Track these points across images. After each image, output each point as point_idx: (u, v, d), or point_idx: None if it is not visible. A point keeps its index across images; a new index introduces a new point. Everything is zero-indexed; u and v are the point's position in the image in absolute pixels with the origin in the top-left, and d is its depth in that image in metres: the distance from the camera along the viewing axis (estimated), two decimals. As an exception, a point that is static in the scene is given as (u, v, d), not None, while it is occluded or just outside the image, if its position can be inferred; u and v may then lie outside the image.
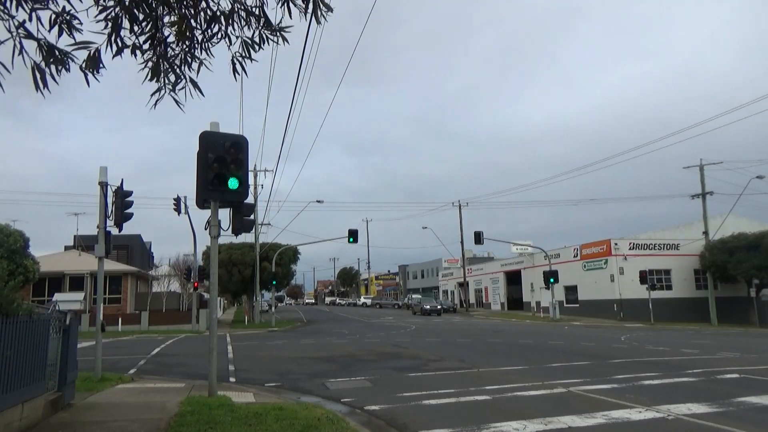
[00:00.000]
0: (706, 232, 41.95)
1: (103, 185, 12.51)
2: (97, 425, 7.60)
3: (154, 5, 4.25)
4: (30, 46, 3.90)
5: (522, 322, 41.07)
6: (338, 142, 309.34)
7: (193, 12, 4.37)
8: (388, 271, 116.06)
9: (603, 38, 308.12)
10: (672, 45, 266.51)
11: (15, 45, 3.79)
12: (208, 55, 4.62)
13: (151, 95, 4.57)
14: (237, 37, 4.52)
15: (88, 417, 8.13)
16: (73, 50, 4.05)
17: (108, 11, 4.10)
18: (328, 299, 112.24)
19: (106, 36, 4.18)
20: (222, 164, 9.73)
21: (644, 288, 39.19)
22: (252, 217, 11.80)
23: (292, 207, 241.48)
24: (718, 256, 40.63)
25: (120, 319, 33.71)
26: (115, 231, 12.99)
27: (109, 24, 4.11)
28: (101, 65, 4.21)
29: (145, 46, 4.42)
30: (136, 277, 43.54)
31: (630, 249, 44.97)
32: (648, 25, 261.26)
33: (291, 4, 4.42)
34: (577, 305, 47.90)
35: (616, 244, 44.86)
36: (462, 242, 62.85)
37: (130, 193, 12.97)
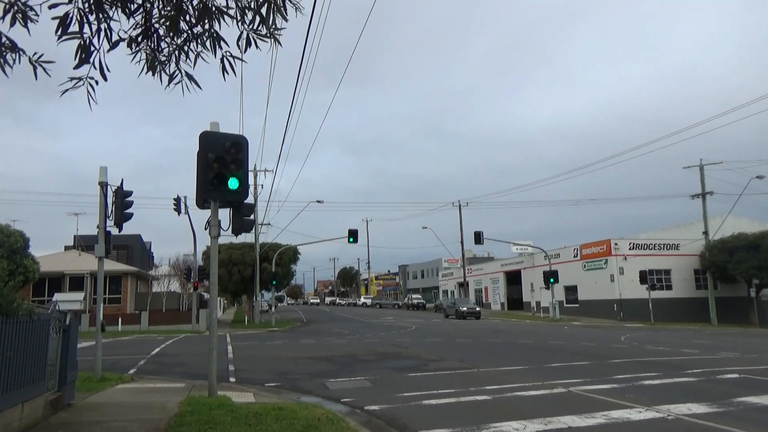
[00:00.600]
0: (706, 232, 41.96)
1: (103, 185, 12.51)
2: (97, 425, 7.60)
3: None
4: None
5: (522, 322, 41.08)
6: (338, 142, 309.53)
7: (184, 6, 4.33)
8: (388, 271, 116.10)
9: (602, 39, 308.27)
10: (671, 45, 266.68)
11: None
12: (204, 49, 4.59)
13: (70, 79, 4.30)
14: (223, 43, 4.49)
15: (88, 417, 8.13)
16: (63, 40, 3.98)
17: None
18: (328, 299, 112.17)
19: (95, 26, 4.10)
20: (222, 164, 9.73)
21: (644, 288, 39.20)
22: (252, 217, 11.80)
23: (292, 207, 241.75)
24: (718, 256, 40.64)
25: (120, 319, 33.71)
26: (115, 231, 12.99)
27: (94, 14, 4.04)
28: (92, 56, 4.14)
29: (139, 39, 4.39)
30: (136, 277, 43.55)
31: (630, 249, 44.98)
32: (647, 26, 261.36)
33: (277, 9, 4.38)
34: (577, 305, 47.91)
35: (616, 244, 44.87)
36: (462, 242, 62.89)
37: (130, 193, 12.97)
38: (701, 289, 44.24)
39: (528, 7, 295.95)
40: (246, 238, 44.08)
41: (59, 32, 4.01)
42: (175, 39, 4.48)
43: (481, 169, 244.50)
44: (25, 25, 4.02)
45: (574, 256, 49.20)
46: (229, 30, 4.55)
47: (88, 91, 4.37)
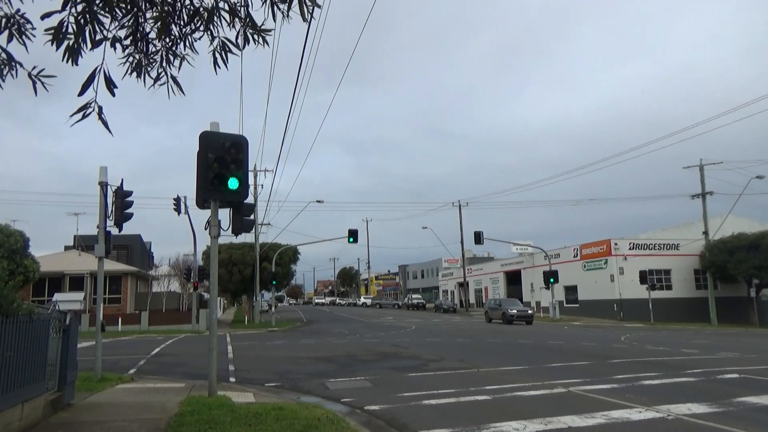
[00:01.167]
0: (706, 232, 41.97)
1: (103, 185, 12.51)
2: (97, 425, 7.60)
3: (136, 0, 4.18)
4: None
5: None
6: (337, 142, 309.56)
7: (173, 9, 4.31)
8: (388, 271, 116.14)
9: (602, 39, 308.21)
10: (671, 45, 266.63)
11: None
12: (192, 51, 4.57)
13: (77, 111, 4.05)
14: (215, 38, 4.46)
15: (88, 417, 8.13)
16: (48, 41, 3.92)
17: (67, 10, 3.93)
18: (328, 299, 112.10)
19: (58, 39, 4.00)
20: (222, 164, 9.73)
21: (644, 288, 39.21)
22: (252, 217, 11.80)
23: (292, 207, 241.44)
24: (718, 256, 40.65)
25: (120, 319, 33.70)
26: (115, 231, 12.98)
27: (88, 24, 3.98)
28: (81, 55, 4.06)
29: (126, 42, 4.34)
30: (136, 277, 43.55)
31: (630, 249, 44.99)
32: (647, 26, 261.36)
33: (275, 6, 4.37)
34: (577, 305, 47.92)
35: (616, 244, 44.88)
36: (462, 242, 62.90)
37: (130, 193, 12.97)
38: (701, 289, 44.25)
39: (528, 7, 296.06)
40: (246, 238, 44.14)
41: (54, 43, 3.92)
42: (164, 41, 4.46)
43: (481, 169, 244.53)
44: (21, 41, 3.94)
45: (574, 256, 49.21)
46: (221, 29, 4.54)
47: (101, 118, 4.07)
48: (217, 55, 4.54)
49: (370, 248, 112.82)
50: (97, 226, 12.64)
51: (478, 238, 45.54)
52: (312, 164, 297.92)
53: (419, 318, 47.84)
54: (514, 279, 60.94)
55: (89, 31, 4.02)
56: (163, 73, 4.56)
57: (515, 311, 38.14)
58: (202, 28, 4.41)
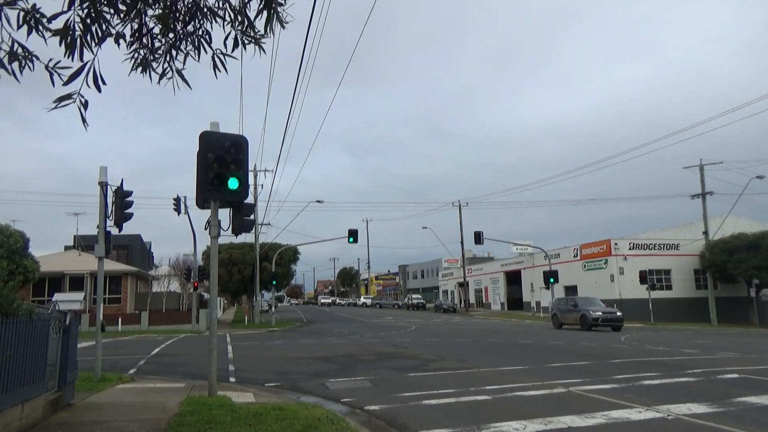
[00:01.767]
0: (706, 232, 41.96)
1: (103, 185, 12.51)
2: (97, 425, 7.60)
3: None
4: None
5: (522, 322, 41.08)
6: (337, 142, 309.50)
7: (175, 6, 4.33)
8: (388, 271, 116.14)
9: (601, 39, 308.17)
10: (671, 45, 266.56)
11: None
12: (194, 47, 4.59)
13: (57, 100, 4.01)
14: (210, 44, 4.49)
15: (88, 417, 8.13)
16: (50, 36, 3.97)
17: (72, 10, 3.96)
18: (332, 299, 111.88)
19: (66, 39, 4.04)
20: (222, 164, 9.73)
21: (644, 288, 39.20)
22: (252, 217, 11.80)
23: (292, 207, 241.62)
24: (718, 256, 40.63)
25: (120, 319, 33.70)
26: (115, 231, 12.98)
27: (94, 24, 4.01)
28: (83, 52, 4.07)
29: (130, 39, 4.38)
30: (136, 277, 43.54)
31: (630, 249, 44.98)
32: (647, 26, 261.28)
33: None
34: (577, 305, 47.91)
35: (616, 244, 44.88)
36: (462, 242, 62.88)
37: (130, 193, 12.97)
38: (701, 289, 44.23)
39: (527, 7, 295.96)
40: (246, 238, 44.16)
41: (62, 44, 3.96)
42: (168, 38, 4.48)
43: (481, 169, 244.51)
44: (41, 34, 3.98)
45: (574, 256, 49.20)
46: (219, 29, 4.56)
47: (80, 110, 4.03)
48: (217, 59, 4.56)
49: (370, 248, 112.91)
50: (97, 226, 12.64)
51: (478, 238, 45.53)
52: (312, 164, 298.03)
53: (419, 318, 47.83)
54: (514, 279, 60.93)
55: (94, 28, 4.04)
56: (169, 68, 4.59)
57: (599, 313, 29.93)
58: (198, 29, 4.43)
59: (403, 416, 8.64)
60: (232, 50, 4.53)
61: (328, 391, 11.32)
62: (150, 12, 4.36)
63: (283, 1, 4.48)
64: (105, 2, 4.02)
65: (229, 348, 21.18)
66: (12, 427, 6.65)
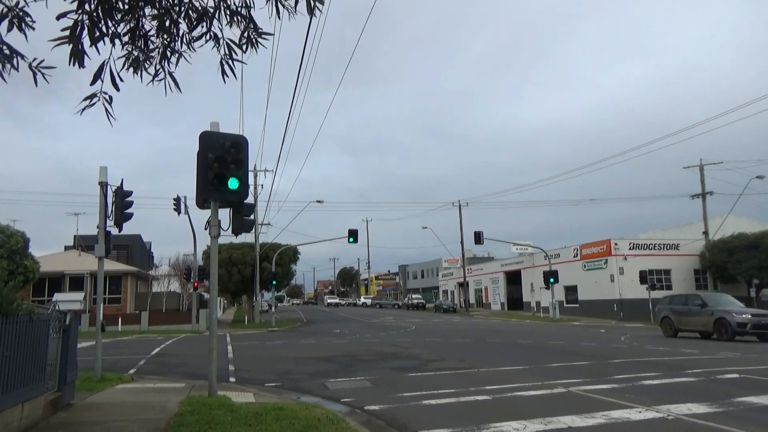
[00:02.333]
0: (706, 232, 41.96)
1: (103, 185, 12.51)
2: (97, 425, 7.60)
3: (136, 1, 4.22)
4: None
5: (522, 322, 41.08)
6: (337, 142, 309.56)
7: (175, 8, 4.33)
8: (388, 271, 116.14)
9: (601, 38, 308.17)
10: (670, 45, 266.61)
11: None
12: (189, 48, 4.58)
13: (85, 99, 4.30)
14: (220, 39, 4.47)
15: (88, 417, 8.13)
16: (56, 45, 3.99)
17: (80, 11, 4.01)
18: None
19: (74, 37, 4.08)
20: (222, 164, 9.73)
21: (644, 288, 39.20)
22: (252, 217, 11.80)
23: (291, 207, 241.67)
24: (718, 256, 40.63)
25: (120, 319, 33.72)
26: (115, 231, 12.99)
27: (82, 23, 4.03)
28: (86, 56, 4.14)
29: (125, 39, 4.38)
30: (136, 277, 43.55)
31: (630, 249, 44.98)
32: (646, 26, 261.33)
33: (280, 4, 4.38)
34: (577, 305, 47.92)
35: (616, 244, 44.87)
36: (462, 242, 62.90)
37: (130, 193, 12.97)
38: (701, 289, 44.18)
39: (526, 7, 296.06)
40: (246, 238, 44.16)
41: (70, 43, 4.01)
42: (163, 39, 4.48)
43: (481, 169, 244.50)
44: (22, 31, 4.02)
45: (574, 256, 49.21)
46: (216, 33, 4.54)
47: (105, 108, 4.32)
48: (225, 64, 4.56)
49: (370, 248, 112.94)
50: (97, 226, 12.64)
51: (478, 238, 45.55)
52: (312, 164, 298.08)
53: (419, 318, 47.83)
54: (514, 279, 60.94)
55: (89, 29, 4.06)
56: (161, 70, 4.58)
57: (747, 316, 21.87)
58: (206, 35, 4.43)
59: (403, 416, 8.64)
60: (246, 49, 4.53)
61: (328, 391, 11.32)
62: (147, 11, 4.36)
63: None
64: (101, 7, 4.03)
65: (229, 348, 21.19)
66: (12, 427, 6.65)
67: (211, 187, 9.78)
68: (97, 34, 4.12)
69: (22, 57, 4.09)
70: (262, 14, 4.52)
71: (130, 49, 4.42)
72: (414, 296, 75.96)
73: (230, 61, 4.58)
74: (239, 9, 4.41)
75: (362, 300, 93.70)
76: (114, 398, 9.84)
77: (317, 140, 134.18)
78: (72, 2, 3.99)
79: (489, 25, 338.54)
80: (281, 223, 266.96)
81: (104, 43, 4.21)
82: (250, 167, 18.18)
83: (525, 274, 57.62)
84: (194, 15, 4.35)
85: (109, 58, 4.23)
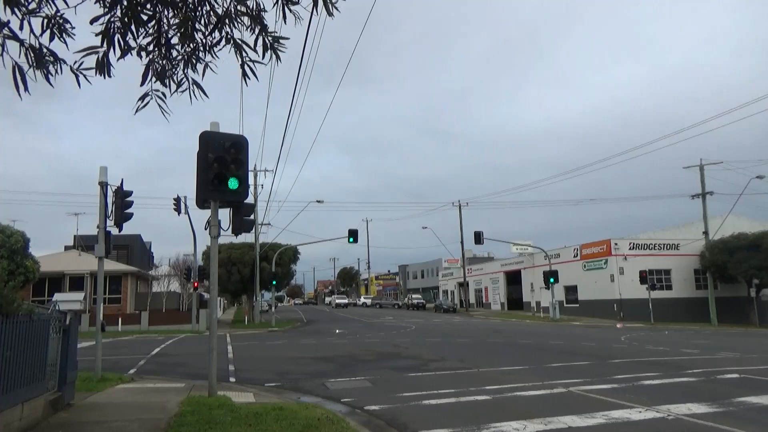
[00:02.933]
0: (706, 232, 41.95)
1: (103, 185, 12.51)
2: (97, 425, 7.61)
3: (159, 6, 4.28)
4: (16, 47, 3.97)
5: (522, 322, 41.08)
6: (336, 142, 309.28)
7: (195, 13, 4.38)
8: (388, 271, 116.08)
9: (601, 39, 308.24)
10: (670, 45, 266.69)
11: None
12: (213, 57, 4.64)
13: (138, 100, 4.60)
14: (241, 45, 4.51)
15: (88, 417, 8.13)
16: (84, 56, 4.14)
17: (112, 13, 4.14)
18: (328, 299, 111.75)
19: (108, 37, 4.21)
20: (222, 164, 9.73)
21: (644, 288, 39.20)
22: (252, 217, 11.80)
23: (291, 207, 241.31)
24: (718, 256, 40.62)
25: (120, 319, 33.71)
26: (115, 231, 12.99)
27: (114, 25, 4.16)
28: (111, 67, 4.29)
29: (149, 48, 4.45)
30: (136, 277, 43.54)
31: (630, 249, 44.96)
32: (646, 26, 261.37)
33: (288, 7, 4.40)
34: (577, 305, 47.91)
35: (616, 244, 44.86)
36: (462, 242, 62.89)
37: (130, 193, 12.97)
38: (701, 289, 44.22)
39: (526, 8, 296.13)
40: (246, 238, 44.12)
41: (103, 44, 4.17)
42: (187, 47, 4.54)
43: (480, 169, 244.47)
44: (62, 39, 4.15)
45: (574, 256, 49.20)
46: (247, 35, 4.60)
47: (159, 105, 4.60)
48: (247, 67, 4.61)
49: (370, 248, 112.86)
50: (97, 226, 12.64)
51: (478, 238, 45.53)
52: (311, 165, 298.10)
53: (419, 318, 47.83)
54: (514, 279, 60.92)
55: (117, 40, 4.18)
56: (185, 79, 4.65)
57: None
58: (224, 39, 4.48)
59: (403, 416, 8.64)
60: (263, 56, 4.62)
61: (328, 391, 11.32)
62: (169, 19, 4.41)
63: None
64: (129, 13, 4.13)
65: (229, 348, 21.19)
66: (12, 427, 6.65)
67: (211, 187, 9.78)
68: (125, 47, 4.26)
69: (65, 62, 4.24)
70: (267, 17, 4.53)
71: (154, 58, 4.51)
72: (414, 296, 75.92)
73: (251, 63, 4.62)
74: (253, 12, 4.44)
75: (362, 300, 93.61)
76: (114, 398, 9.84)
77: (317, 140, 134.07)
78: (102, 7, 4.12)
79: (488, 26, 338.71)
80: (281, 223, 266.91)
81: (131, 55, 4.38)
82: (250, 167, 18.16)
83: (525, 274, 57.61)
84: (214, 20, 4.40)
85: (152, 61, 4.47)
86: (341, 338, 25.81)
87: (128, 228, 13.85)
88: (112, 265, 38.09)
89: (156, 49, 4.46)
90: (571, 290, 49.11)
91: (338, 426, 7.47)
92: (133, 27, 4.20)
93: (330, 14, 4.47)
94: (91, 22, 4.09)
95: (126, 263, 44.91)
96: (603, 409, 8.78)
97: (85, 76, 4.28)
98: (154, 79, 4.58)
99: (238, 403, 9.07)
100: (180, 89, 4.68)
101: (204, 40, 4.52)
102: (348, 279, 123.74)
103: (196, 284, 34.05)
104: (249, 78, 4.69)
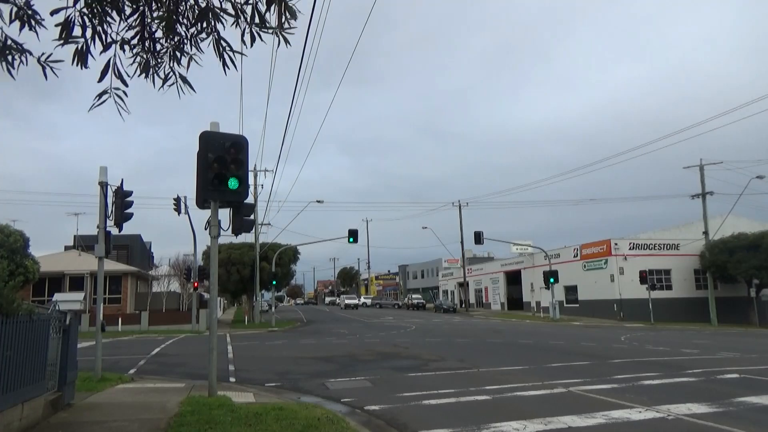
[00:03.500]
0: (706, 232, 41.95)
1: (103, 185, 12.51)
2: (97, 425, 7.61)
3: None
4: None
5: (522, 322, 41.08)
6: (336, 142, 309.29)
7: (177, 7, 4.33)
8: (388, 271, 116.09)
9: (601, 39, 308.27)
10: (670, 46, 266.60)
11: None
12: (197, 50, 4.58)
13: (96, 97, 4.38)
14: (220, 40, 4.47)
15: (88, 417, 8.13)
16: (58, 45, 4.05)
17: (94, 5, 4.06)
18: (328, 299, 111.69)
19: (91, 30, 4.14)
20: (222, 164, 9.73)
21: (644, 288, 39.19)
22: (252, 217, 11.80)
23: (291, 207, 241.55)
24: (718, 256, 40.62)
25: (120, 319, 33.70)
26: (115, 231, 12.99)
27: (95, 19, 4.08)
28: (90, 56, 4.19)
29: (134, 42, 4.40)
30: (136, 277, 43.53)
31: (630, 249, 44.97)
32: (646, 26, 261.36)
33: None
34: (577, 305, 47.91)
35: (616, 244, 44.86)
36: (462, 242, 62.87)
37: (130, 193, 12.97)
38: (701, 289, 44.22)
39: (525, 8, 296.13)
40: (246, 238, 44.12)
41: (62, 37, 4.03)
42: (171, 41, 4.48)
43: (480, 170, 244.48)
44: (33, 29, 4.08)
45: (574, 256, 49.20)
46: (229, 29, 4.55)
47: (116, 103, 4.42)
48: (226, 55, 4.53)
49: (370, 248, 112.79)
50: (97, 226, 12.64)
51: (478, 238, 45.52)
52: (311, 165, 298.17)
53: (419, 318, 47.82)
54: (514, 279, 60.92)
55: (99, 32, 4.10)
56: (172, 73, 4.59)
57: None
58: (206, 28, 4.42)
59: (403, 416, 8.64)
60: (251, 45, 4.52)
61: (328, 391, 11.32)
62: (153, 13, 4.36)
63: None
64: (108, 3, 4.06)
65: (229, 348, 21.19)
66: (12, 427, 6.65)
67: (211, 187, 9.78)
68: (108, 40, 4.18)
69: (31, 53, 4.16)
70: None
71: (138, 52, 4.44)
72: (414, 296, 75.90)
73: (231, 53, 4.56)
74: (244, 7, 4.38)
75: (362, 300, 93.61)
76: (114, 398, 9.84)
77: (317, 140, 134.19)
78: None
79: (488, 26, 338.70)
80: (281, 223, 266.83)
81: (116, 49, 4.28)
82: (250, 167, 18.17)
83: (525, 274, 57.61)
84: (196, 14, 4.34)
85: (115, 55, 4.27)
86: (341, 338, 25.81)
87: (128, 228, 13.86)
88: (112, 265, 38.09)
89: (140, 43, 4.41)
90: (571, 290, 49.11)
91: (338, 426, 7.47)
92: (104, 17, 4.09)
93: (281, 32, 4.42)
94: (52, 14, 3.98)
95: (126, 263, 44.91)
96: (603, 409, 8.78)
97: (52, 69, 4.20)
98: (139, 73, 4.52)
99: (238, 403, 9.07)
100: (167, 83, 4.61)
101: (187, 33, 4.46)
102: (348, 279, 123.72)
103: (196, 284, 34.05)
104: (228, 68, 4.64)
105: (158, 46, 4.53)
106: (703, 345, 20.81)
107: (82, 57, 4.13)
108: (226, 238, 44.73)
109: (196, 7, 4.33)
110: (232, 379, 13.20)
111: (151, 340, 26.35)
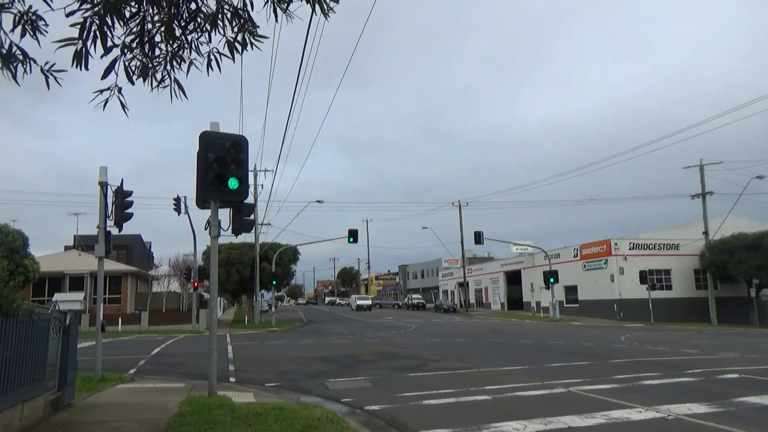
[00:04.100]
0: (706, 232, 41.95)
1: (103, 185, 12.51)
2: (97, 425, 7.60)
3: (143, 3, 4.23)
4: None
5: (522, 322, 41.08)
6: (336, 142, 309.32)
7: (178, 11, 4.33)
8: (388, 271, 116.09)
9: (601, 39, 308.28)
10: (670, 46, 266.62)
11: None
12: (198, 55, 4.60)
13: (97, 92, 4.40)
14: (222, 36, 4.47)
15: (88, 417, 8.13)
16: (59, 47, 4.04)
17: (93, 8, 4.04)
18: (328, 299, 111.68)
19: (92, 34, 4.13)
20: (222, 164, 9.73)
21: (644, 288, 39.19)
22: (252, 217, 11.80)
23: (291, 207, 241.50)
24: (718, 256, 40.62)
25: (120, 319, 33.70)
26: (115, 231, 12.99)
27: (95, 22, 4.07)
28: (90, 57, 4.17)
29: (133, 45, 4.40)
30: (136, 277, 43.53)
31: (630, 249, 44.97)
32: (646, 26, 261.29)
33: (277, 5, 4.38)
34: (577, 305, 47.91)
35: (616, 244, 44.86)
36: (462, 242, 62.88)
37: (130, 193, 12.97)
38: (701, 289, 44.22)
39: (526, 7, 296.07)
40: (246, 238, 44.13)
41: (80, 36, 4.04)
42: (170, 45, 4.49)
43: (480, 169, 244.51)
44: (35, 36, 4.06)
45: (574, 256, 49.20)
46: (220, 31, 4.55)
47: (120, 100, 4.45)
48: (212, 57, 4.56)
49: (370, 248, 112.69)
50: (97, 226, 12.64)
51: (478, 238, 45.52)
52: (311, 165, 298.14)
53: (419, 318, 47.81)
54: (514, 279, 60.92)
55: (101, 36, 4.09)
56: (167, 76, 4.59)
57: None
58: (206, 28, 4.43)
59: (403, 416, 8.64)
60: (242, 50, 4.55)
61: (328, 391, 11.32)
62: (154, 17, 4.36)
63: None
64: (110, 8, 4.05)
65: (229, 348, 21.18)
66: (12, 427, 6.65)
67: (211, 187, 9.78)
68: (109, 43, 4.17)
69: (35, 61, 4.14)
70: (260, 16, 4.52)
71: (136, 55, 4.44)
72: (414, 296, 75.92)
73: (217, 55, 4.58)
74: (240, 11, 4.40)
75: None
76: (114, 398, 9.84)
77: (317, 140, 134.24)
78: (76, 1, 4.01)
79: (488, 26, 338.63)
80: (281, 223, 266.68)
81: (119, 53, 4.28)
82: (250, 167, 18.17)
83: (525, 274, 57.60)
84: (192, 15, 4.34)
85: (122, 54, 4.31)
86: (341, 338, 25.80)
87: (128, 228, 13.85)
88: (112, 265, 38.09)
89: (139, 47, 4.41)
90: (571, 290, 49.11)
91: (338, 426, 7.47)
92: (111, 20, 4.08)
93: (326, 16, 4.45)
94: (68, 15, 3.98)
95: (126, 263, 44.90)
96: (603, 409, 8.78)
97: (56, 78, 4.19)
98: (137, 76, 4.52)
99: (238, 403, 9.06)
100: (162, 86, 4.62)
101: (186, 38, 4.48)
102: (348, 279, 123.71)
103: (196, 284, 34.05)
104: (212, 69, 4.65)
105: (157, 51, 4.54)
106: (703, 345, 20.81)
107: (81, 58, 4.12)
108: (226, 238, 44.75)
109: (195, 9, 4.32)
110: (232, 379, 13.19)
111: (151, 340, 26.34)
